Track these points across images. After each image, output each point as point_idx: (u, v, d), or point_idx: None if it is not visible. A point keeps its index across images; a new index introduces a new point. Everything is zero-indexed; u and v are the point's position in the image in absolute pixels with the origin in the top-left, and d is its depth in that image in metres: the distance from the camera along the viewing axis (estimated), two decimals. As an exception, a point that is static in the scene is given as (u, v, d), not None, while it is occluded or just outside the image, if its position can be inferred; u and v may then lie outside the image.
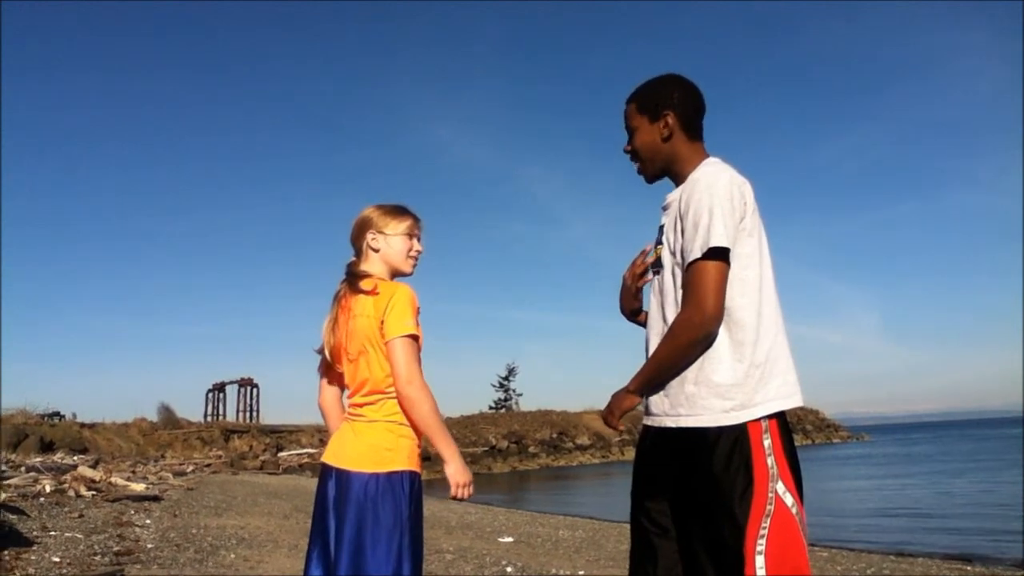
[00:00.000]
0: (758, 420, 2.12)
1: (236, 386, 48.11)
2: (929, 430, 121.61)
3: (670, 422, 2.21)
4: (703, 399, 2.15)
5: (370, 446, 2.41)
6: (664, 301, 2.30)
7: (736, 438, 2.11)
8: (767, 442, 2.12)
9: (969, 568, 8.99)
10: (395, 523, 2.35)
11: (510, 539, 10.34)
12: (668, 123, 2.34)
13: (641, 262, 2.48)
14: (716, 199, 2.14)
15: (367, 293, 2.48)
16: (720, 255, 2.11)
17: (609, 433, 43.37)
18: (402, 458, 2.41)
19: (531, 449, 42.15)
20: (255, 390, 48.03)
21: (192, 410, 47.20)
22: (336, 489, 2.42)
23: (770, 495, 2.08)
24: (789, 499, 2.11)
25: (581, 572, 7.31)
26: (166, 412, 40.34)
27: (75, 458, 23.70)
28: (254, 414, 47.03)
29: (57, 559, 6.39)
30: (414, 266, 2.63)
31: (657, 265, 2.36)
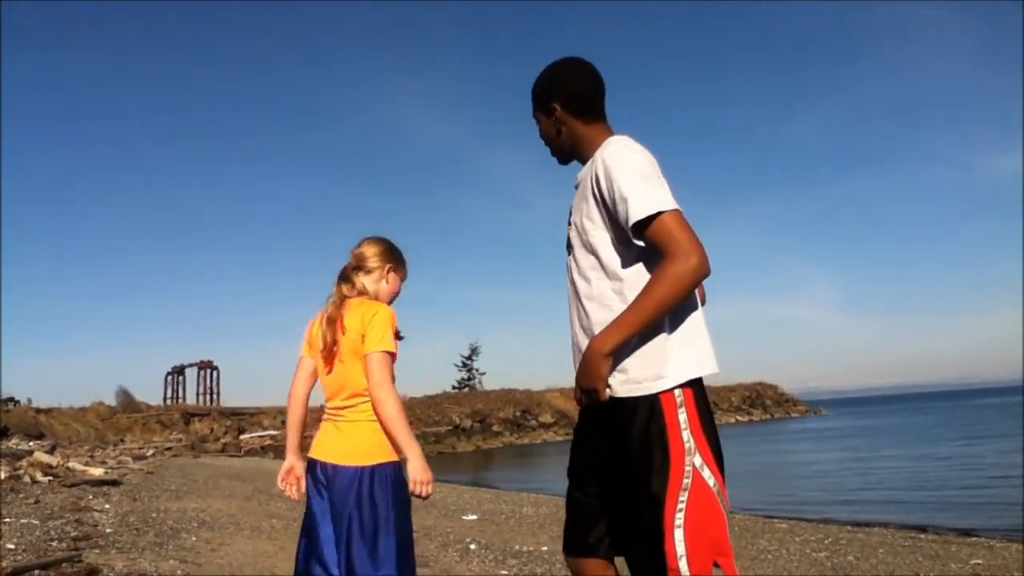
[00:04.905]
0: (670, 390, 2.09)
1: (196, 369, 47.62)
2: (886, 403, 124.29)
3: None
4: (619, 371, 2.12)
5: (357, 443, 2.70)
6: (575, 278, 2.27)
7: (651, 411, 2.08)
8: (683, 416, 2.08)
9: (923, 536, 9.26)
10: (391, 506, 2.65)
11: (474, 517, 10.40)
12: (557, 115, 2.33)
13: None
14: (634, 166, 2.11)
15: (343, 315, 2.75)
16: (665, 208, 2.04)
17: (572, 411, 43.70)
18: (386, 451, 2.68)
19: (495, 428, 42.37)
20: (215, 372, 47.58)
21: (151, 394, 46.33)
22: (328, 481, 2.70)
23: (687, 469, 2.05)
24: (707, 472, 2.08)
25: (544, 547, 7.37)
26: (124, 396, 39.81)
27: (31, 444, 23.27)
28: (214, 397, 46.59)
29: (12, 546, 6.26)
30: (390, 304, 2.95)
31: (569, 245, 2.33)
